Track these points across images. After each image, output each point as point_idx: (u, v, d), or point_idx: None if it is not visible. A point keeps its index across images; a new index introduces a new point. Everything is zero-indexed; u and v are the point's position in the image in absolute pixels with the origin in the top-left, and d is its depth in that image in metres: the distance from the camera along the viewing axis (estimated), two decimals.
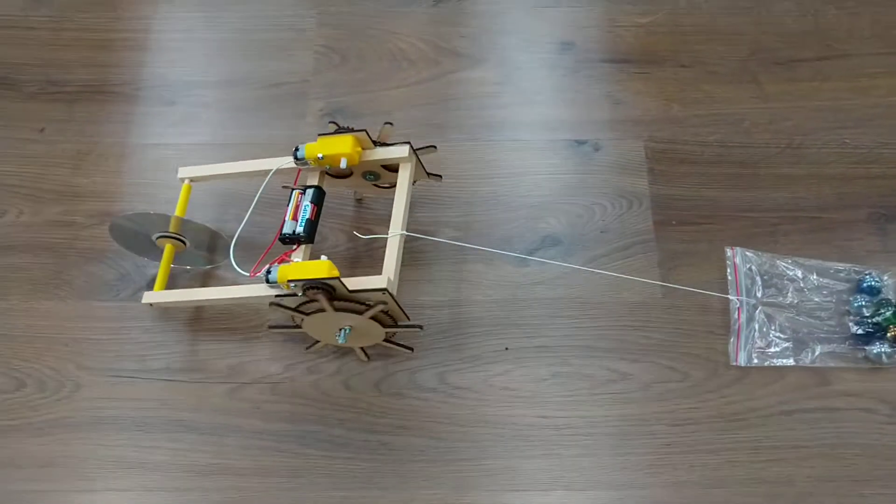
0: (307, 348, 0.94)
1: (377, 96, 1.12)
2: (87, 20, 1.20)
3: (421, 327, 0.88)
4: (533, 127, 1.10)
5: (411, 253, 1.00)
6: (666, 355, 0.94)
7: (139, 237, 0.95)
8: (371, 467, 0.90)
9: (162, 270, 0.94)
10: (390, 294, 0.81)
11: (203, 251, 0.99)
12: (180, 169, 0.97)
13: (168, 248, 0.95)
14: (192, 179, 0.96)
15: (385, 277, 0.81)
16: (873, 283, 0.96)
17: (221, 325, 0.97)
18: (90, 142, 1.09)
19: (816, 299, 0.97)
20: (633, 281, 0.97)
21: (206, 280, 1.02)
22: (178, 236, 0.94)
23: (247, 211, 0.89)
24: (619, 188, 1.05)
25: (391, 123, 0.90)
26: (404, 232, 0.86)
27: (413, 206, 1.03)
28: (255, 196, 0.90)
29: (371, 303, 0.82)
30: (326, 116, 1.10)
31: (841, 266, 0.99)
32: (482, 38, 1.17)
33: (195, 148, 1.09)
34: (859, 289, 0.96)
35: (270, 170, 0.91)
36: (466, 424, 0.92)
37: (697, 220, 1.03)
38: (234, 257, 0.84)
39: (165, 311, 0.98)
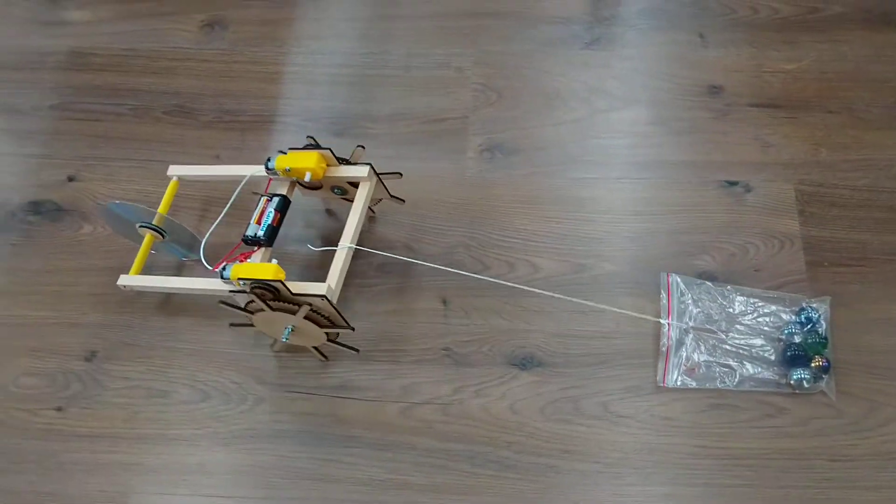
0: (271, 346, 1.02)
1: (532, 133, 1.18)
2: (257, 54, 1.27)
3: (353, 328, 0.94)
4: (684, 166, 1.14)
5: (573, 285, 1.04)
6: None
7: (125, 223, 1.03)
8: (539, 489, 0.94)
9: (139, 257, 1.03)
10: (328, 300, 0.89)
11: (179, 245, 1.07)
12: (171, 167, 1.06)
13: (148, 237, 1.03)
14: (179, 177, 1.06)
15: (326, 285, 0.89)
16: (811, 314, 0.99)
17: (394, 346, 1.02)
18: None
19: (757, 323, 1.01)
20: None
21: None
22: (157, 228, 1.02)
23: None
24: (770, 229, 1.09)
25: (363, 147, 0.98)
26: (352, 245, 0.94)
27: (569, 239, 1.09)
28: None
29: (300, 303, 0.90)
30: (486, 152, 1.16)
31: (778, 295, 1.02)
32: (633, 79, 1.22)
33: None
34: (797, 317, 1.00)
35: (245, 175, 1.00)
36: (630, 452, 0.96)
37: (848, 262, 1.06)
38: (204, 253, 0.96)
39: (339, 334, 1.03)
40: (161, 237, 1.03)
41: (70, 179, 1.17)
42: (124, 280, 1.02)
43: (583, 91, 1.21)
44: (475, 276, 1.02)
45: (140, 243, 1.04)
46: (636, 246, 1.08)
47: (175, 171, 1.06)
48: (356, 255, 1.03)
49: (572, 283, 1.06)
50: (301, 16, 1.30)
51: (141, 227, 1.02)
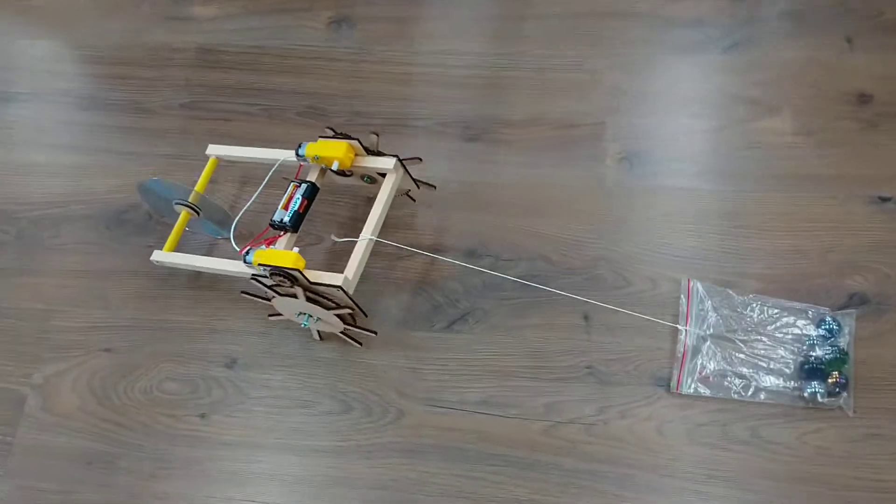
0: (269, 315, 1.02)
1: (670, 141, 1.15)
2: (386, 53, 1.25)
3: (375, 333, 0.98)
4: (831, 180, 1.10)
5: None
6: None
7: (162, 200, 1.07)
8: None
9: (174, 233, 1.06)
10: (345, 292, 0.91)
11: (213, 222, 1.09)
12: (210, 146, 1.10)
13: (183, 214, 1.05)
14: (217, 157, 1.09)
15: (344, 276, 0.91)
16: (832, 325, 0.97)
17: (535, 363, 1.01)
18: None
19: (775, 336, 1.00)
20: None
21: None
22: (193, 206, 1.04)
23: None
24: None
25: (377, 134, 0.99)
26: (373, 238, 0.96)
27: (712, 255, 1.06)
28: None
29: (340, 303, 0.93)
30: (624, 161, 1.13)
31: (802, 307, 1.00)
32: (775, 86, 1.18)
33: (496, 188, 1.13)
34: (817, 329, 0.99)
35: (278, 159, 1.03)
36: (781, 480, 0.94)
37: None
38: (234, 234, 0.98)
39: (475, 348, 1.03)
40: (196, 214, 1.05)
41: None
42: (157, 256, 1.05)
43: (721, 98, 1.18)
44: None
45: (176, 220, 1.07)
46: (783, 264, 1.05)
47: (213, 150, 1.09)
48: (496, 268, 1.05)
49: None
50: (429, 14, 1.28)
51: (177, 203, 1.05)
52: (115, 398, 1.03)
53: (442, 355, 1.03)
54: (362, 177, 1.05)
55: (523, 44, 1.24)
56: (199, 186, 1.07)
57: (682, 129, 1.15)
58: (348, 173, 1.04)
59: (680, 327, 1.01)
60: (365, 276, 0.99)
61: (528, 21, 1.26)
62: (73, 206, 1.17)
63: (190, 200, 1.04)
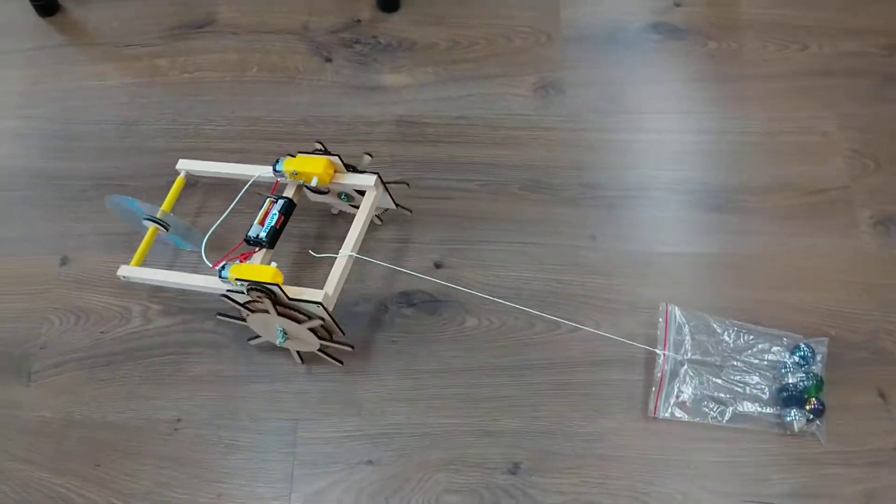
0: (248, 340, 1.00)
1: None
2: (603, 120, 1.19)
3: (352, 347, 0.96)
4: None
5: None
6: None
7: (132, 214, 1.05)
8: None
9: (141, 248, 1.04)
10: (324, 308, 0.89)
11: (182, 238, 1.08)
12: (180, 161, 1.07)
13: (152, 229, 1.04)
14: (188, 173, 1.07)
15: (323, 292, 0.90)
16: (806, 353, 0.97)
17: (840, 447, 0.95)
18: (645, 251, 1.08)
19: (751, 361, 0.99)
20: None
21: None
22: (161, 222, 1.03)
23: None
24: None
25: (370, 154, 1.00)
26: (353, 254, 0.94)
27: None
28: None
29: (311, 315, 0.91)
30: (879, 226, 1.09)
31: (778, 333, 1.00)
32: None
33: (747, 259, 1.08)
34: (791, 356, 0.98)
35: (253, 176, 1.02)
36: None
37: None
38: (205, 250, 0.96)
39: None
40: (165, 230, 1.04)
41: (437, 266, 1.07)
42: (124, 271, 1.02)
43: None
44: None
45: (144, 232, 1.05)
46: None
47: (184, 165, 1.07)
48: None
49: None
50: (636, 77, 1.22)
51: (146, 219, 1.03)
52: None
53: (729, 445, 0.96)
54: (339, 194, 1.04)
55: (746, 106, 1.19)
56: (166, 205, 1.05)
57: None
58: (325, 190, 1.03)
59: (658, 352, 0.98)
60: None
61: (746, 81, 1.21)
62: None
63: (157, 216, 1.03)
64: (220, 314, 0.97)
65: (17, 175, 1.17)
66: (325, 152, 0.99)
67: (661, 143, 1.17)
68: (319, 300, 0.89)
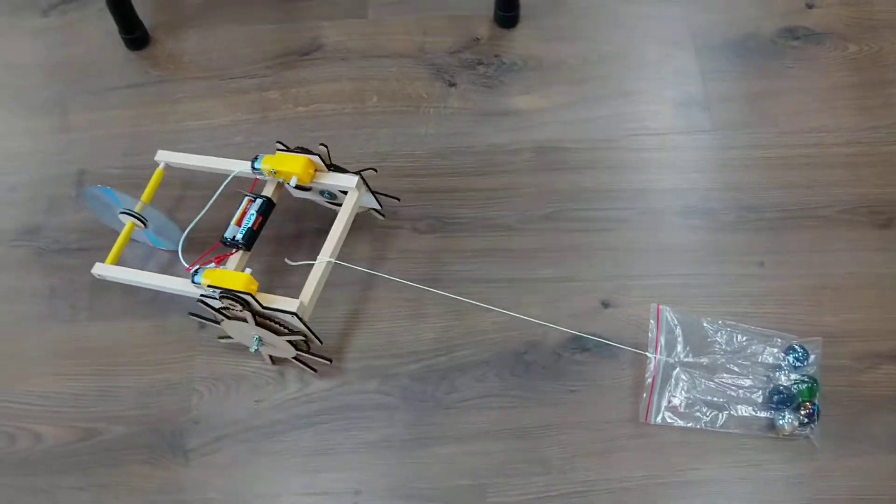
0: (219, 338, 0.97)
1: None
2: (752, 136, 1.13)
3: (330, 360, 0.94)
4: None
5: None
6: None
7: (108, 208, 1.00)
8: None
9: (117, 244, 0.99)
10: (300, 318, 0.86)
11: (160, 235, 1.04)
12: (159, 152, 1.02)
13: (129, 225, 0.99)
14: (167, 164, 1.02)
15: (298, 301, 0.86)
16: (799, 355, 0.95)
17: None
18: (817, 274, 1.02)
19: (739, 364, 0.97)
20: None
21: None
22: (139, 217, 0.98)
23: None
24: None
25: (375, 170, 0.96)
26: (331, 260, 0.91)
27: None
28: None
29: (292, 329, 0.89)
30: None
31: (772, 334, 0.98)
32: None
33: None
34: (786, 358, 0.96)
35: (231, 171, 0.97)
36: None
37: None
38: (182, 250, 0.93)
39: None
40: (143, 226, 0.98)
41: (605, 305, 1.01)
42: (99, 269, 0.97)
43: None
44: None
45: (119, 230, 1.00)
46: None
47: (163, 156, 1.02)
48: None
49: None
50: (781, 88, 1.17)
51: (122, 213, 0.98)
52: None
53: None
54: (321, 192, 1.00)
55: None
56: (144, 197, 0.99)
57: None
58: (307, 188, 0.98)
59: (649, 355, 0.96)
60: None
61: (892, 87, 1.15)
62: (458, 352, 0.99)
63: (136, 210, 0.97)
64: (192, 314, 0.92)
65: None
66: (304, 151, 0.95)
67: (814, 157, 1.11)
68: (294, 310, 0.86)
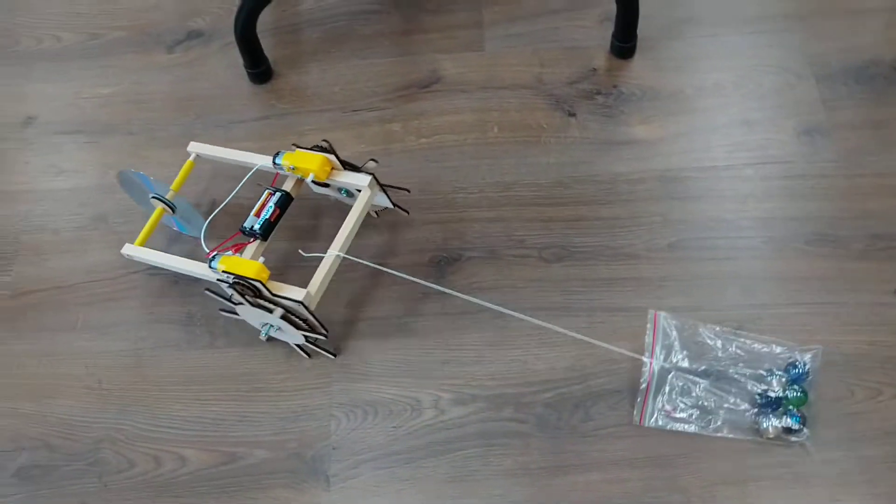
0: (220, 310, 1.01)
1: None
2: (879, 164, 1.12)
3: (326, 335, 0.97)
4: None
5: None
6: None
7: (141, 191, 1.08)
8: None
9: (147, 228, 1.06)
10: (306, 307, 0.91)
11: (186, 222, 1.10)
12: (191, 143, 1.09)
13: (158, 209, 1.06)
14: (197, 155, 1.09)
15: (305, 291, 0.92)
16: (796, 364, 0.96)
17: None
18: None
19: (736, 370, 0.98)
20: None
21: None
22: (168, 203, 1.05)
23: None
24: None
25: (375, 161, 1.01)
26: (340, 254, 0.96)
27: None
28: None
29: (313, 328, 0.95)
30: None
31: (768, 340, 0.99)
32: None
33: None
34: (785, 367, 0.97)
35: (255, 165, 1.04)
36: None
37: None
38: (204, 236, 1.00)
39: None
40: (171, 211, 1.06)
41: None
42: (128, 249, 1.05)
43: None
44: None
45: (150, 211, 1.07)
46: None
47: (195, 147, 1.09)
48: None
49: None
50: None
51: (153, 198, 1.05)
52: None
53: None
54: (339, 189, 1.05)
55: None
56: (175, 186, 1.06)
57: None
58: (325, 184, 1.04)
59: (645, 359, 0.97)
60: None
61: None
62: (592, 380, 1.00)
63: (167, 196, 1.04)
64: (208, 290, 0.97)
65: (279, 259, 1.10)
66: (322, 150, 1.00)
67: None
68: (300, 299, 0.91)
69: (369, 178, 1.00)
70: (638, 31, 1.21)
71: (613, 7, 1.20)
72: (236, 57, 1.26)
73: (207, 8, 1.37)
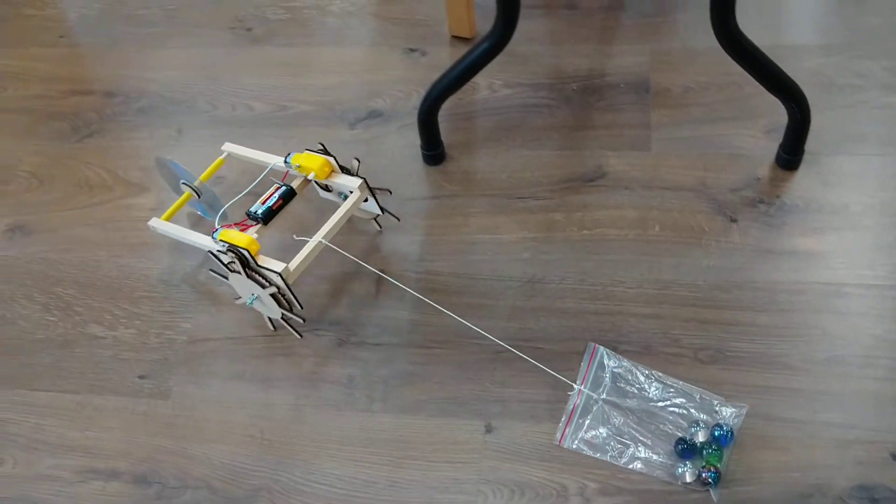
0: (235, 300, 1.18)
1: None
2: None
3: (303, 319, 1.16)
4: None
5: None
6: None
7: (174, 178, 1.27)
8: None
9: (174, 207, 1.26)
10: (283, 279, 1.06)
11: (211, 209, 1.28)
12: (226, 143, 1.29)
13: (186, 194, 1.25)
14: (229, 154, 1.28)
15: (284, 265, 1.07)
16: (723, 432, 1.00)
17: None
18: None
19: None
20: None
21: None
22: (195, 189, 1.23)
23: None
24: None
25: (358, 160, 1.19)
26: (323, 241, 1.11)
27: None
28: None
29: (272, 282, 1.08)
30: None
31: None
32: None
33: None
34: (705, 417, 1.02)
35: (270, 163, 1.22)
36: None
37: None
38: (220, 218, 1.18)
39: None
40: (197, 197, 1.24)
41: (895, 458, 0.99)
42: (155, 222, 1.23)
43: None
44: None
45: (178, 194, 1.28)
46: None
47: (228, 147, 1.28)
48: None
49: None
50: None
51: (183, 184, 1.24)
52: None
53: None
54: (340, 194, 1.22)
55: None
56: (203, 177, 1.25)
57: None
58: (329, 189, 1.23)
59: (575, 385, 1.05)
60: None
61: None
62: (739, 487, 0.99)
63: (194, 184, 1.23)
64: (212, 270, 1.18)
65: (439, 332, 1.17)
66: (325, 153, 1.17)
67: None
68: (279, 271, 1.06)
69: (360, 181, 1.15)
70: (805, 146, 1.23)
71: (780, 118, 1.22)
72: (412, 137, 1.35)
73: (388, 91, 1.47)
